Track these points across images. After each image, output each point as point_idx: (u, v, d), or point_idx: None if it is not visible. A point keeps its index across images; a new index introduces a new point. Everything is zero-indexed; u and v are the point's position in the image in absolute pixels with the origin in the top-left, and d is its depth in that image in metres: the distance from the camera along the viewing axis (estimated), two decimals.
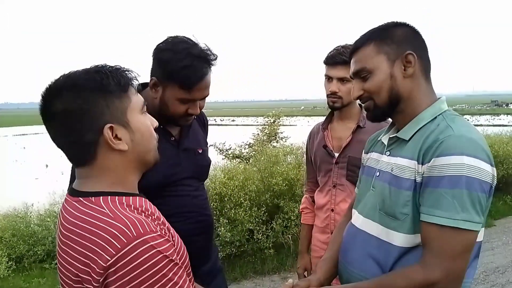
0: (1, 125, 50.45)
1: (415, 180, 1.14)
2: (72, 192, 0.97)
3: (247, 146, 8.00)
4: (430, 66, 1.25)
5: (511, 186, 6.82)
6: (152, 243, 0.86)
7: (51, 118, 0.94)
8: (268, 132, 8.49)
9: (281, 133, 8.67)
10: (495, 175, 1.12)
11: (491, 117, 37.02)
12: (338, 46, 1.93)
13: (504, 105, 54.53)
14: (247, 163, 6.32)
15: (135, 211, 0.94)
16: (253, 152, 7.30)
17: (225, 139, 8.18)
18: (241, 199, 4.46)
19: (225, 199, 4.49)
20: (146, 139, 1.00)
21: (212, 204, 4.32)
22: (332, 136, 2.03)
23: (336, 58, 1.90)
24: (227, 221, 4.32)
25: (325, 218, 2.02)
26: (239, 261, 4.44)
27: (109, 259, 0.83)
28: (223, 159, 7.53)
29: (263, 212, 4.53)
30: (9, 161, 17.37)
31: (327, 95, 1.96)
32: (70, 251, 0.90)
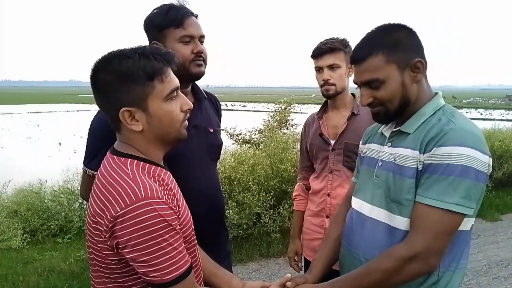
0: (15, 103, 51.06)
1: (417, 168, 1.22)
2: (111, 150, 1.16)
3: (257, 132, 8.03)
4: (427, 64, 1.30)
5: None
6: (155, 206, 1.01)
7: (92, 87, 1.10)
8: (279, 118, 8.50)
9: (292, 120, 8.68)
10: (491, 164, 1.20)
11: (506, 112, 36.38)
12: (322, 41, 2.03)
13: None
14: (257, 148, 6.37)
15: (152, 178, 1.09)
16: (263, 138, 7.34)
17: (236, 124, 8.23)
18: (250, 183, 4.54)
19: (234, 182, 4.58)
20: (164, 124, 1.11)
21: (221, 187, 4.41)
22: (328, 125, 2.10)
23: (322, 48, 1.99)
24: (235, 204, 4.42)
25: (320, 203, 2.09)
26: (246, 244, 4.55)
27: (119, 211, 1.00)
28: (233, 143, 7.59)
29: (271, 196, 4.61)
30: (23, 138, 17.61)
31: (321, 86, 2.04)
32: (96, 196, 1.08)
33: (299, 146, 5.59)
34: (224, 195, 4.49)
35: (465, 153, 1.13)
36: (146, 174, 1.09)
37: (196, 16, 1.61)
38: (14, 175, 6.51)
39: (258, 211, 4.52)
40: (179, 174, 1.53)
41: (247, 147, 6.85)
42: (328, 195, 2.06)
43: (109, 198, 1.03)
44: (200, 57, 1.59)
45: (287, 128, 8.33)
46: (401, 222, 1.25)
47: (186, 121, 1.19)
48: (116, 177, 1.06)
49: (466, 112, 33.50)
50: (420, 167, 1.21)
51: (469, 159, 1.13)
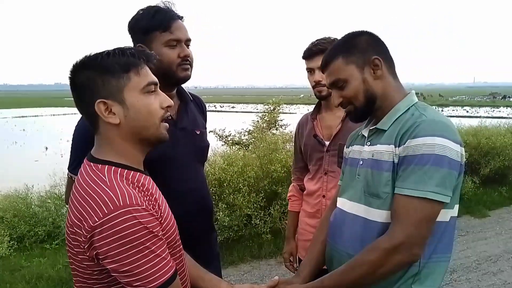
0: (0, 107, 50.22)
1: (393, 161, 1.27)
2: (89, 156, 1.12)
3: (246, 133, 8.02)
4: (394, 65, 1.40)
5: (507, 177, 6.90)
6: (135, 214, 0.98)
7: (71, 89, 1.09)
8: (268, 119, 8.50)
9: (281, 120, 8.69)
10: (464, 154, 1.26)
11: (491, 109, 36.91)
12: (313, 41, 2.03)
13: (499, 97, 54.25)
14: (246, 149, 6.36)
15: (131, 185, 1.06)
16: (253, 139, 7.33)
17: (225, 126, 8.20)
18: (240, 185, 4.52)
19: (224, 184, 4.55)
20: (142, 116, 1.08)
21: (211, 189, 4.38)
22: (322, 126, 2.09)
23: (313, 49, 1.99)
24: (225, 206, 4.39)
25: (315, 204, 2.09)
26: (237, 245, 4.52)
27: (97, 220, 0.97)
28: (222, 145, 7.56)
29: (261, 198, 4.59)
30: (8, 143, 17.32)
31: (313, 87, 2.05)
32: (73, 205, 1.05)
33: (289, 147, 5.62)
34: (214, 197, 4.48)
35: (438, 143, 1.18)
36: (125, 181, 1.05)
37: (182, 18, 1.59)
38: None
39: (249, 213, 4.50)
40: (166, 177, 1.50)
41: (236, 149, 6.83)
42: (324, 196, 2.05)
43: (86, 208, 0.99)
44: (186, 61, 1.58)
45: (276, 129, 8.34)
46: (379, 215, 1.28)
47: (167, 123, 1.15)
48: (93, 185, 1.02)
49: (453, 110, 33.94)
50: (396, 160, 1.26)
51: (441, 148, 1.18)
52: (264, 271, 4.17)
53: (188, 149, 1.64)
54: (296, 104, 42.34)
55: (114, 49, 1.07)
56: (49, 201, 5.04)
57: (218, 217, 4.22)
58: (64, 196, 4.89)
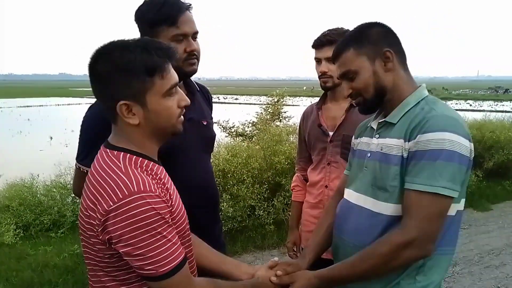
0: (5, 97, 50.33)
1: (402, 156, 1.27)
2: (105, 143, 1.15)
3: (250, 125, 8.03)
4: (406, 57, 1.39)
5: (511, 171, 6.89)
6: (148, 200, 1.01)
7: (90, 75, 1.08)
8: (271, 111, 8.51)
9: (285, 112, 8.70)
10: (473, 149, 1.26)
11: (494, 103, 36.64)
12: (324, 31, 2.03)
13: (501, 91, 53.89)
14: (250, 141, 6.38)
15: (144, 172, 1.09)
16: (256, 131, 7.35)
17: (229, 117, 8.21)
18: (244, 176, 4.55)
19: (228, 175, 4.58)
20: (162, 119, 1.11)
21: (215, 180, 4.41)
22: (326, 116, 2.10)
23: (322, 40, 2.00)
24: (229, 197, 4.43)
25: (318, 194, 2.10)
26: (240, 236, 4.56)
27: (111, 205, 0.99)
28: (226, 136, 7.58)
29: (265, 189, 4.62)
30: (14, 132, 17.38)
31: (319, 77, 2.05)
32: (88, 190, 1.08)
33: (292, 139, 5.63)
34: (218, 188, 4.49)
35: (448, 138, 1.18)
36: (139, 168, 1.08)
37: (190, 7, 1.56)
38: (5, 170, 6.45)
39: (253, 204, 4.53)
40: (173, 167, 1.51)
41: (240, 140, 6.84)
42: (326, 186, 2.06)
43: (101, 192, 1.02)
44: (193, 56, 1.56)
45: (280, 121, 8.35)
46: (386, 208, 1.29)
47: (182, 117, 1.17)
48: (109, 171, 1.05)
49: (456, 104, 33.74)
50: (405, 155, 1.26)
51: (451, 144, 1.18)
52: (267, 261, 4.20)
53: (195, 139, 1.65)
54: (300, 96, 42.21)
55: (141, 48, 1.04)
56: (54, 190, 5.08)
57: (222, 208, 4.26)
58: (70, 186, 4.94)
